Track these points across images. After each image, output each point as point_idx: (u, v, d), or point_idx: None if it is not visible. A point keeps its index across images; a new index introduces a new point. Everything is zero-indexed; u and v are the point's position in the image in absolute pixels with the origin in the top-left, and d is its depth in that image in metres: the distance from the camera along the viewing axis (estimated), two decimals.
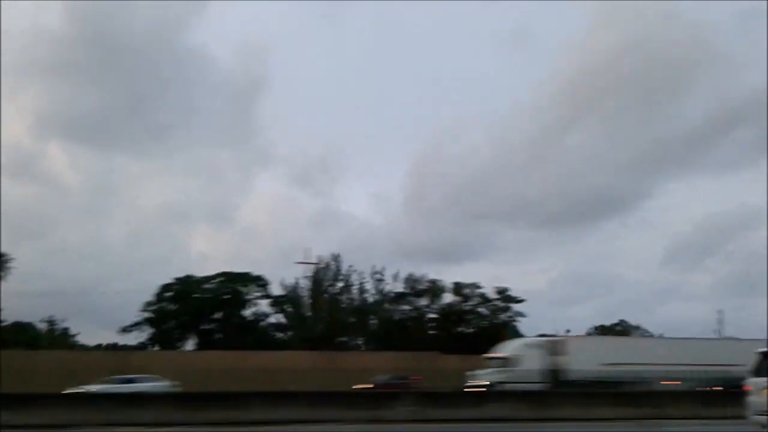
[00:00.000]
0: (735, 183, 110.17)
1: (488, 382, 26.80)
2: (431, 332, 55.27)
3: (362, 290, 55.48)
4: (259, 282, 58.87)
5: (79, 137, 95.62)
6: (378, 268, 55.02)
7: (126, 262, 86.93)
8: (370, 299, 55.80)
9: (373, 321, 55.89)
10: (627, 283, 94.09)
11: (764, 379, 11.10)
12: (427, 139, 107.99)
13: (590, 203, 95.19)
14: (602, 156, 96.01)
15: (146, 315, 55.86)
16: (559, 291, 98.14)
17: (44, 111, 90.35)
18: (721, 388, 25.03)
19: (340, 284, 54.72)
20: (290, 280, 55.07)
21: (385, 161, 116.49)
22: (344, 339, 53.95)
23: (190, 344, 57.32)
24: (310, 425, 15.84)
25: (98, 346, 66.63)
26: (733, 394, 14.58)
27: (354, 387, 29.21)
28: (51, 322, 65.79)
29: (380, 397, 18.67)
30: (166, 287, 55.41)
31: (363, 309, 52.25)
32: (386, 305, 53.09)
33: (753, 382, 11.48)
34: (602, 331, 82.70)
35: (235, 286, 57.82)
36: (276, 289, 57.78)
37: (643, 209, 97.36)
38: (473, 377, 28.69)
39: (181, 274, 58.14)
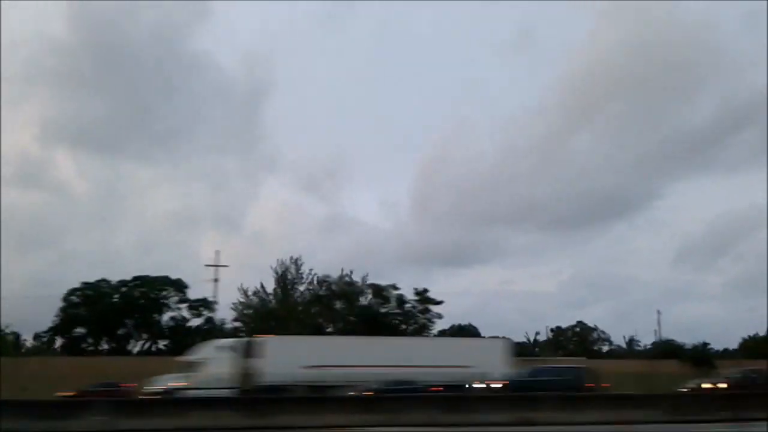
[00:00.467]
0: (744, 183, 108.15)
1: (165, 388, 23.67)
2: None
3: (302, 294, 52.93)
4: (178, 286, 56.77)
5: (86, 145, 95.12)
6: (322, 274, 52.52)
7: (134, 268, 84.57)
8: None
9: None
10: (638, 284, 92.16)
11: None
12: (434, 144, 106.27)
13: (599, 205, 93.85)
14: (610, 158, 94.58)
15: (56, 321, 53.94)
16: (571, 293, 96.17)
17: (51, 119, 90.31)
18: (441, 389, 22.98)
19: (301, 288, 52.27)
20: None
21: (392, 166, 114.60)
22: None
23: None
24: None
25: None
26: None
27: (57, 394, 24.85)
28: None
29: (71, 406, 16.29)
30: (72, 292, 53.13)
31: (275, 313, 49.74)
32: (299, 308, 50.56)
33: None
34: (558, 332, 79.51)
35: (150, 291, 55.67)
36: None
37: (652, 210, 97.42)
38: (154, 382, 25.00)
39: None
